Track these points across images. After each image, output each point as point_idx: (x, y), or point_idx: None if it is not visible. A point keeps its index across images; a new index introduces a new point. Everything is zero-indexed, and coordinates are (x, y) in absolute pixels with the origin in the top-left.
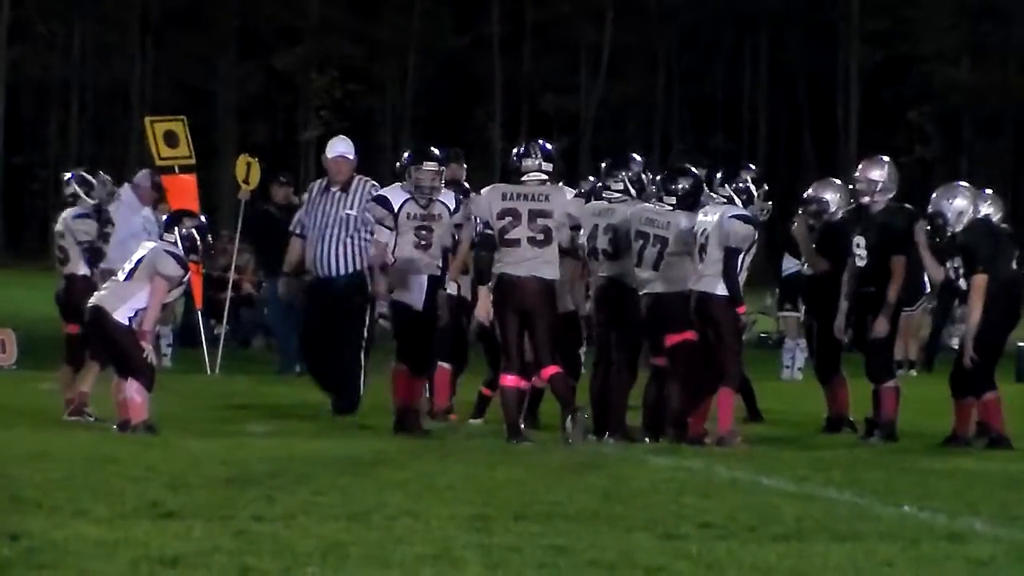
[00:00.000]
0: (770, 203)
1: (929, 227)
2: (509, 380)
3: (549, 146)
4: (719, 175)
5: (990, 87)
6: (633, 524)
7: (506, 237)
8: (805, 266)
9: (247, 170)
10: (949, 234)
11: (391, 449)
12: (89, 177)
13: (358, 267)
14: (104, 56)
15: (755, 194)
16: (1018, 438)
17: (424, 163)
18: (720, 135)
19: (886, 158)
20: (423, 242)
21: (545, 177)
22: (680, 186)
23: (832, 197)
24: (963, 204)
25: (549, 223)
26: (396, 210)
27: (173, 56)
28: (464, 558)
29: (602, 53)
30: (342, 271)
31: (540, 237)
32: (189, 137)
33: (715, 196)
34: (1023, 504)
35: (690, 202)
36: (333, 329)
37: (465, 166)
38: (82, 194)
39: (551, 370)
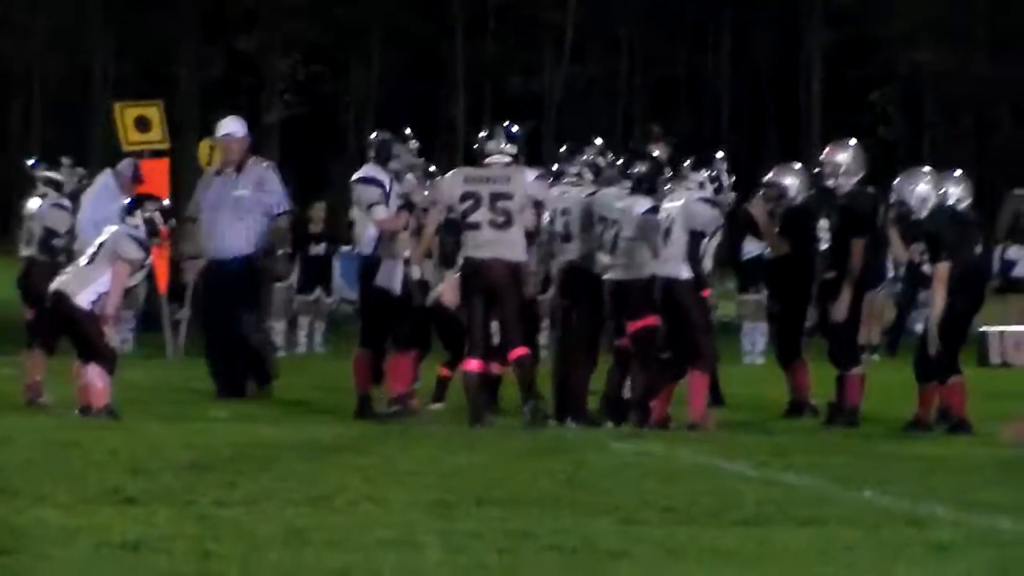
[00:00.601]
0: (734, 193)
1: (895, 215)
2: (472, 364)
3: (515, 129)
4: (689, 162)
5: (952, 69)
6: (594, 509)
7: (468, 220)
8: (767, 250)
9: (211, 153)
10: (912, 220)
11: (352, 434)
12: (56, 176)
13: (250, 249)
14: (66, 39)
15: (725, 183)
16: (980, 422)
17: (408, 142)
18: (683, 116)
19: (852, 141)
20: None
21: (508, 160)
22: (638, 170)
23: (791, 182)
24: (926, 190)
25: (510, 205)
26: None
27: (136, 39)
28: (425, 543)
29: (565, 35)
30: (234, 253)
31: (501, 220)
32: (164, 121)
33: (685, 181)
34: (984, 489)
35: (647, 186)
36: (227, 312)
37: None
38: (52, 190)
39: (519, 351)
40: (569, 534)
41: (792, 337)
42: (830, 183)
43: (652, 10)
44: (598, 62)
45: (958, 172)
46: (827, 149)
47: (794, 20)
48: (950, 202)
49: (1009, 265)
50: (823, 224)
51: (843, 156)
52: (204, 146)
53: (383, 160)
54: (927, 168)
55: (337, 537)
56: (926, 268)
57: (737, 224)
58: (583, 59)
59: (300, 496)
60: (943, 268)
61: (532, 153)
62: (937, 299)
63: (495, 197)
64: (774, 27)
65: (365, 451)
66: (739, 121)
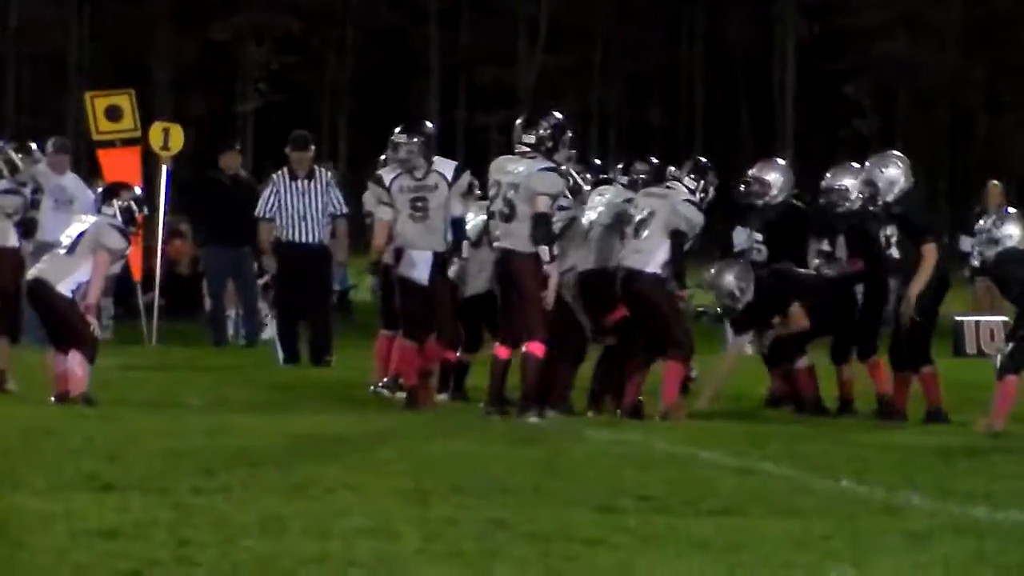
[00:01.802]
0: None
1: (863, 196)
2: (499, 351)
3: (540, 117)
4: (686, 168)
5: (926, 61)
6: (571, 498)
7: (489, 209)
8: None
9: (164, 136)
10: (881, 203)
11: (329, 422)
12: (13, 157)
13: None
14: (40, 29)
15: (710, 196)
16: (955, 412)
17: (404, 135)
18: (657, 108)
19: (782, 161)
20: (418, 214)
21: (527, 149)
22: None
23: (774, 178)
24: (895, 173)
25: (515, 196)
26: (388, 185)
27: (110, 27)
28: (402, 531)
29: (539, 26)
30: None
31: (506, 211)
32: (136, 110)
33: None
34: (960, 478)
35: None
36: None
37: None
38: (6, 172)
39: (528, 346)
40: (545, 522)
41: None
42: (759, 202)
43: (626, 1)
44: (572, 53)
45: (897, 154)
46: (757, 166)
47: (768, 12)
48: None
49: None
50: (757, 237)
51: (773, 176)
52: (156, 129)
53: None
54: (897, 152)
55: (314, 525)
56: (894, 251)
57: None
58: (557, 50)
59: (277, 484)
60: (931, 248)
61: (507, 144)
62: (923, 277)
63: (506, 187)
64: (748, 19)
65: (342, 439)
66: (712, 113)
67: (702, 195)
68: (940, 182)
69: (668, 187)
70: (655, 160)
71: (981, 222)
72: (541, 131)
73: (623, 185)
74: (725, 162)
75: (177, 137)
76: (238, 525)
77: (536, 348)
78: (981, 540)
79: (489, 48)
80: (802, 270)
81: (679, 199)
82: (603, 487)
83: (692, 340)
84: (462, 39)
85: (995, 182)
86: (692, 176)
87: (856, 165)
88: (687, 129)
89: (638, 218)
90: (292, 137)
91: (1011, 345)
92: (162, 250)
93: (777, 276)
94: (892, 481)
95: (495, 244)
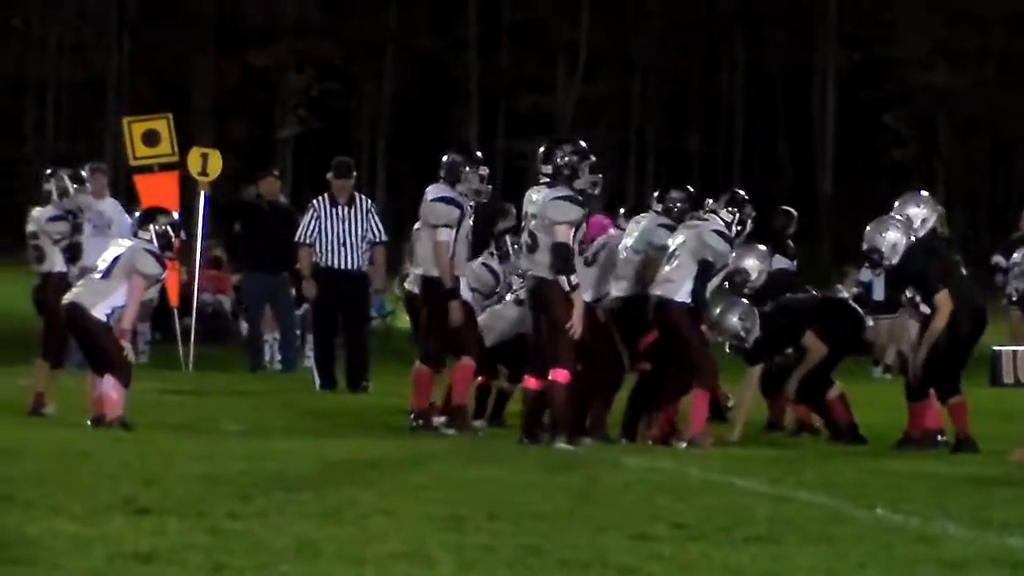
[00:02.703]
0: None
1: (867, 262)
2: (529, 381)
3: (557, 146)
4: (722, 200)
5: (966, 90)
6: (606, 524)
7: (521, 241)
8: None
9: (203, 162)
10: (888, 266)
11: (365, 447)
12: (67, 183)
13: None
14: (81, 51)
15: (747, 229)
16: (992, 442)
17: (479, 166)
18: (696, 136)
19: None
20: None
21: (546, 179)
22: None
23: (751, 264)
24: (895, 236)
25: (535, 227)
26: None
27: (150, 52)
28: (437, 557)
29: (579, 53)
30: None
31: (530, 242)
32: (174, 135)
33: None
34: (996, 507)
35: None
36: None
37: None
38: (56, 196)
39: (552, 375)
40: (581, 549)
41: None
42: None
43: (666, 29)
44: (611, 80)
45: (924, 192)
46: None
47: (808, 40)
48: (916, 225)
49: None
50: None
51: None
52: (194, 155)
53: (450, 183)
54: (893, 216)
55: (349, 550)
56: (924, 308)
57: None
58: (596, 77)
59: (312, 509)
60: (943, 297)
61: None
62: (939, 324)
63: (530, 217)
64: (788, 47)
65: (377, 465)
66: (751, 140)
67: (739, 228)
68: (981, 212)
69: (703, 218)
70: (691, 188)
71: (1016, 255)
72: (558, 160)
73: (657, 212)
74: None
75: (215, 162)
76: (274, 550)
77: (560, 376)
78: (1017, 570)
79: (528, 75)
80: (801, 295)
81: (708, 229)
82: (638, 514)
83: (715, 367)
84: (501, 66)
85: None
86: (729, 208)
87: (762, 247)
88: (726, 156)
89: (672, 248)
90: (335, 163)
91: None
92: (199, 276)
93: (781, 309)
94: (928, 510)
95: (527, 274)
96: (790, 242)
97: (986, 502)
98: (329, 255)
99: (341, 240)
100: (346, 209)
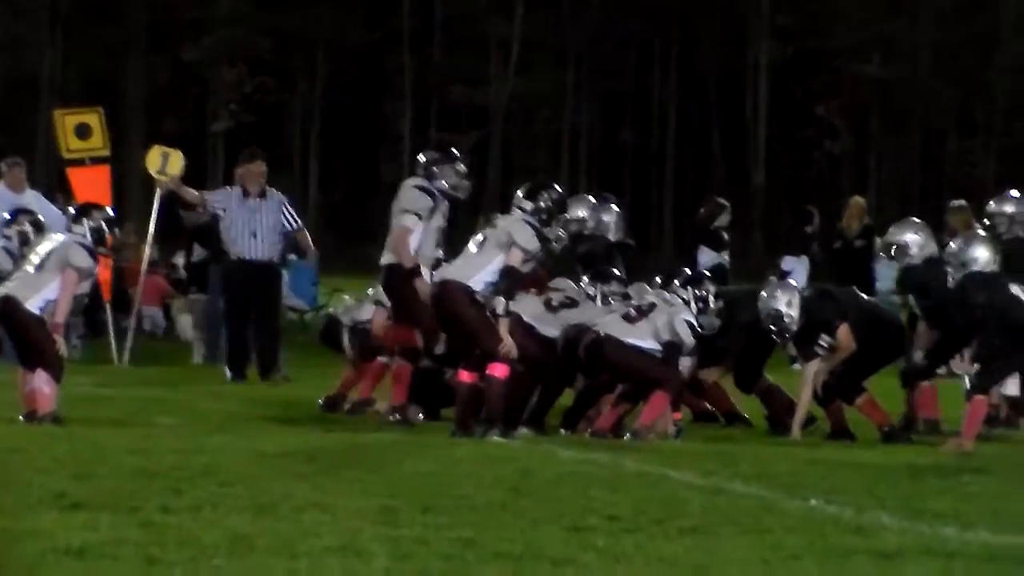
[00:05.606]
0: (718, 320)
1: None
2: (463, 375)
3: (543, 188)
4: (680, 278)
5: (899, 82)
6: (540, 516)
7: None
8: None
9: (163, 160)
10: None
11: (297, 441)
12: None
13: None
14: (13, 47)
15: (711, 306)
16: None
17: (456, 163)
18: (629, 130)
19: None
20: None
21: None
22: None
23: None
24: (786, 300)
25: (489, 233)
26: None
27: (83, 48)
28: (371, 550)
29: (512, 47)
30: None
31: (473, 248)
32: (105, 128)
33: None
34: (930, 497)
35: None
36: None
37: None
38: None
39: (491, 368)
40: (515, 542)
41: (753, 365)
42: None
43: (600, 23)
44: (545, 74)
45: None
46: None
47: (741, 34)
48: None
49: None
50: None
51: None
52: (154, 153)
53: (428, 179)
54: (790, 281)
55: (282, 544)
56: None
57: (695, 234)
58: (530, 71)
59: (245, 503)
60: (843, 329)
61: (479, 165)
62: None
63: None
64: (721, 41)
65: (311, 458)
66: (685, 135)
67: (700, 305)
68: (912, 203)
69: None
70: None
71: (951, 245)
72: (542, 203)
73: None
74: (698, 181)
75: (176, 162)
76: (206, 544)
77: (499, 371)
78: (950, 560)
79: (462, 69)
80: (843, 289)
81: (678, 315)
82: (572, 506)
83: (680, 376)
84: (434, 60)
85: (963, 203)
86: (692, 289)
87: (917, 220)
88: (659, 148)
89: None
90: (243, 151)
91: (979, 366)
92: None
93: (823, 296)
94: (862, 501)
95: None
96: (724, 234)
97: (920, 492)
98: (240, 245)
99: (252, 231)
100: (258, 200)
